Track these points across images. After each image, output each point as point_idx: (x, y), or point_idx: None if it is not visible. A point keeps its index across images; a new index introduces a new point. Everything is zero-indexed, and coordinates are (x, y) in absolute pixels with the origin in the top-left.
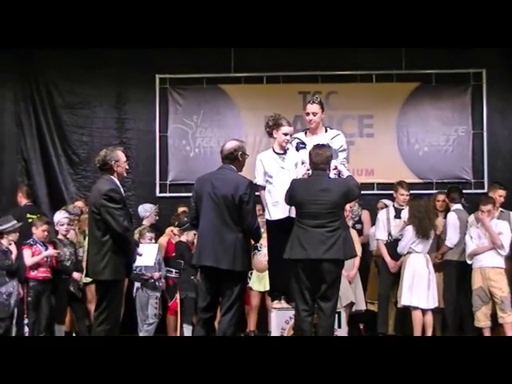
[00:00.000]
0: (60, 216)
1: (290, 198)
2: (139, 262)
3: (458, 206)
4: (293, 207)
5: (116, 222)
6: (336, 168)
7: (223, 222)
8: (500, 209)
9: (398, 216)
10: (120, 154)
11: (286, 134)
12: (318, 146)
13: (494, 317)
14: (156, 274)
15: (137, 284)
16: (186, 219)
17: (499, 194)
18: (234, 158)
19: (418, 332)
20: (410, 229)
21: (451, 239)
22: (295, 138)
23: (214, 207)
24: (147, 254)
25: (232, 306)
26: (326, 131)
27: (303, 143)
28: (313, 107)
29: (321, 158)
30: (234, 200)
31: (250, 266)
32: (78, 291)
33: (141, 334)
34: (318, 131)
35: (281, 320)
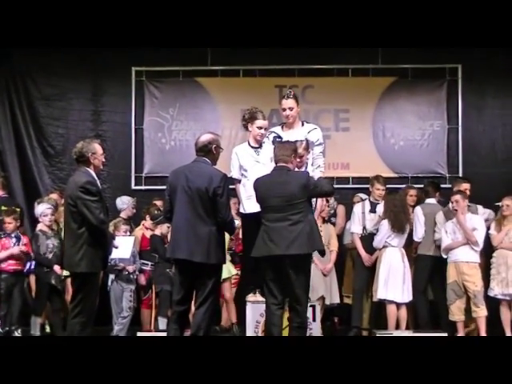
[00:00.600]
0: (43, 207)
1: (255, 195)
2: (115, 254)
3: (431, 201)
4: None
5: (92, 215)
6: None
7: (197, 215)
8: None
9: (373, 210)
10: (97, 147)
11: (260, 128)
12: (280, 143)
13: (468, 311)
14: (130, 267)
15: (111, 276)
16: (156, 212)
17: (464, 188)
18: (208, 151)
19: (392, 325)
20: (385, 223)
21: (417, 233)
22: (272, 131)
23: (187, 200)
24: (123, 247)
25: (206, 300)
26: (303, 125)
27: (280, 137)
28: (288, 102)
29: (283, 153)
30: (208, 193)
31: (224, 259)
32: (58, 284)
33: (115, 327)
34: (294, 125)
35: (256, 313)
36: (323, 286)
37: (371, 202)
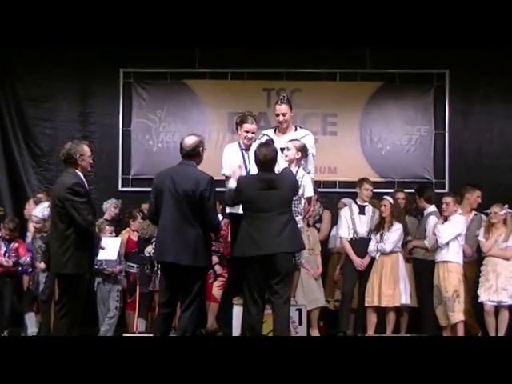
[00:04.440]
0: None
1: (238, 196)
2: (102, 255)
3: (434, 208)
4: None
5: (80, 216)
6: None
7: (183, 218)
8: (474, 212)
9: (362, 212)
10: (85, 148)
11: (247, 132)
12: (262, 145)
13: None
14: (117, 268)
15: (98, 279)
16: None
17: (476, 195)
18: (196, 154)
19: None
20: (399, 227)
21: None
22: (264, 134)
23: (174, 203)
24: (110, 248)
25: (192, 302)
26: (296, 130)
27: (272, 141)
28: (282, 108)
29: (267, 155)
30: (195, 196)
31: (210, 261)
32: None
33: (102, 328)
34: (287, 130)
35: (241, 315)
36: (318, 291)
37: (359, 205)
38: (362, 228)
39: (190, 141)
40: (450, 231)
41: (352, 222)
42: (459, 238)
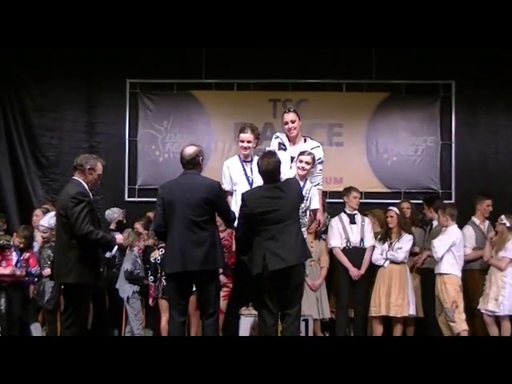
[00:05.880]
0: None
1: (248, 210)
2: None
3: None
4: None
5: (78, 225)
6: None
7: (195, 225)
8: (487, 221)
9: (352, 221)
10: (98, 165)
11: (242, 142)
12: (264, 155)
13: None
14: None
15: (134, 287)
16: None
17: (487, 204)
18: (196, 163)
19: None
20: (409, 237)
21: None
22: (278, 136)
23: (185, 212)
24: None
25: (213, 309)
26: (305, 141)
27: (284, 145)
28: (289, 116)
29: (270, 164)
30: (209, 201)
31: (224, 261)
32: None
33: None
34: (297, 140)
35: (249, 326)
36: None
37: (348, 214)
38: (355, 237)
39: (190, 150)
40: (443, 244)
41: (344, 231)
42: (453, 249)
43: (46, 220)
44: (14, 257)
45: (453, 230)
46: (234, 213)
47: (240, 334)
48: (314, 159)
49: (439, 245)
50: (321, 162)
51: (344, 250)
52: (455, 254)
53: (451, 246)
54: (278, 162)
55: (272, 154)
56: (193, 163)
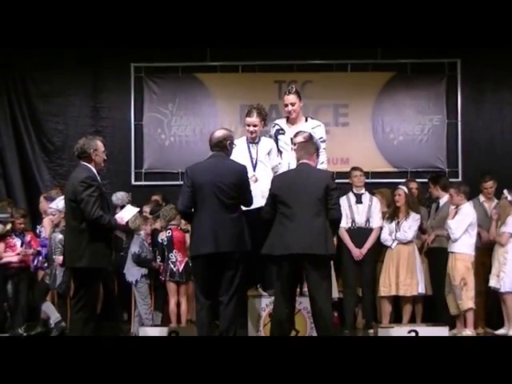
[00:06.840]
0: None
1: (274, 190)
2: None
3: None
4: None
5: (88, 210)
6: None
7: (224, 207)
8: (496, 199)
9: (359, 201)
10: (99, 144)
11: (248, 125)
12: (302, 140)
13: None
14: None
15: (142, 271)
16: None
17: (490, 186)
18: (224, 147)
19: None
20: (418, 216)
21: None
22: (276, 124)
23: (216, 195)
24: (127, 212)
25: (234, 294)
26: (307, 121)
27: (282, 129)
28: (290, 98)
29: (306, 150)
30: (239, 186)
31: (250, 245)
32: None
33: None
34: (297, 120)
35: (257, 307)
36: None
37: (355, 194)
38: (360, 217)
39: (219, 133)
40: (460, 226)
41: (350, 211)
42: (469, 229)
43: (55, 203)
44: (18, 242)
45: (467, 208)
46: (252, 196)
47: (248, 317)
48: (307, 139)
49: (456, 226)
50: (323, 141)
51: (349, 231)
52: (471, 233)
53: (468, 225)
54: (317, 150)
55: (309, 138)
56: (220, 146)
